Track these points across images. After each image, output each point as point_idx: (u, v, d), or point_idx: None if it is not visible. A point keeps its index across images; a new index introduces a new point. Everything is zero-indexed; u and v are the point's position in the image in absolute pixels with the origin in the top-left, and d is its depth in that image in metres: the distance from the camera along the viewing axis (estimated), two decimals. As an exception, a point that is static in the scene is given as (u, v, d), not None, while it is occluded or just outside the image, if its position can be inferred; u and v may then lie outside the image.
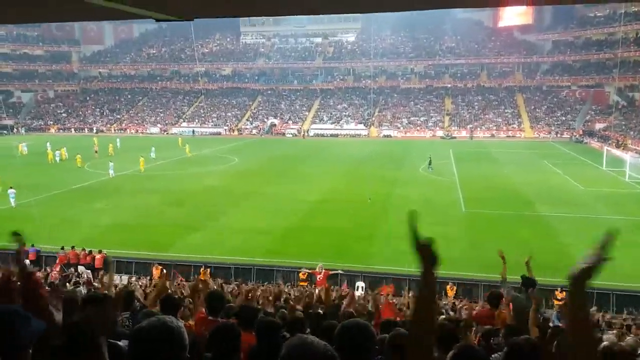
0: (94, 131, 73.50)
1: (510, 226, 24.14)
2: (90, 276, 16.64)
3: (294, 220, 25.44)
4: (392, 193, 31.08)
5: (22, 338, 2.04)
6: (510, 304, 7.33)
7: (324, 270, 17.68)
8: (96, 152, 48.15)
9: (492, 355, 4.06)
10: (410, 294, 14.27)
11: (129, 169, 40.22)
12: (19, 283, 3.15)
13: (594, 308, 14.79)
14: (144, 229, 24.46)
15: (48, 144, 49.66)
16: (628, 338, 7.20)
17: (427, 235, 1.90)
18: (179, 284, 13.78)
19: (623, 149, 47.58)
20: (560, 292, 15.35)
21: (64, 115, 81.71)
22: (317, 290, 14.46)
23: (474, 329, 6.49)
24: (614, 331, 9.07)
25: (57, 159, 45.53)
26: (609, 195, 30.54)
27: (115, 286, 8.94)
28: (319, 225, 24.52)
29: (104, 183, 35.69)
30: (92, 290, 9.98)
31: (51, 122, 78.64)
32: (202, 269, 18.61)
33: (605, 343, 4.62)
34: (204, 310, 5.34)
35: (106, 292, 6.03)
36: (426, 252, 1.87)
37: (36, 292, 3.07)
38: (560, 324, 8.44)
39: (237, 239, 22.50)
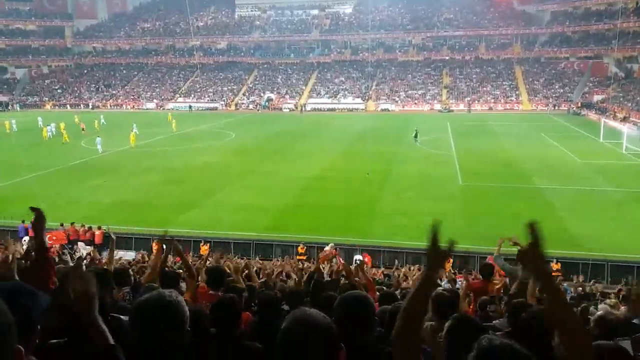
0: (90, 107, 72.82)
1: (507, 199, 24.21)
2: (91, 252, 16.72)
3: (293, 196, 25.41)
4: (390, 168, 31.07)
5: (35, 316, 1.92)
6: (504, 275, 7.45)
7: (334, 250, 17.65)
8: (83, 129, 47.03)
9: (494, 321, 4.15)
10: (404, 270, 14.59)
11: (121, 145, 39.81)
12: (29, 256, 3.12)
13: (581, 278, 15.02)
14: (142, 205, 24.46)
15: (39, 119, 48.92)
16: (622, 307, 7.32)
17: (434, 221, 2.03)
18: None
19: (621, 121, 47.42)
20: (555, 264, 15.55)
21: (59, 91, 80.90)
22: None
23: (467, 299, 6.64)
24: (610, 301, 9.23)
25: (49, 134, 44.53)
26: (605, 167, 30.59)
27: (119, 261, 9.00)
28: (318, 202, 24.51)
29: (98, 160, 35.53)
30: (93, 266, 10.04)
31: (46, 99, 77.87)
32: (201, 244, 18.76)
33: (599, 313, 4.71)
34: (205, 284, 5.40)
35: (106, 268, 6.08)
36: (439, 259, 1.98)
37: (41, 267, 3.07)
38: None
39: (236, 215, 22.55)
